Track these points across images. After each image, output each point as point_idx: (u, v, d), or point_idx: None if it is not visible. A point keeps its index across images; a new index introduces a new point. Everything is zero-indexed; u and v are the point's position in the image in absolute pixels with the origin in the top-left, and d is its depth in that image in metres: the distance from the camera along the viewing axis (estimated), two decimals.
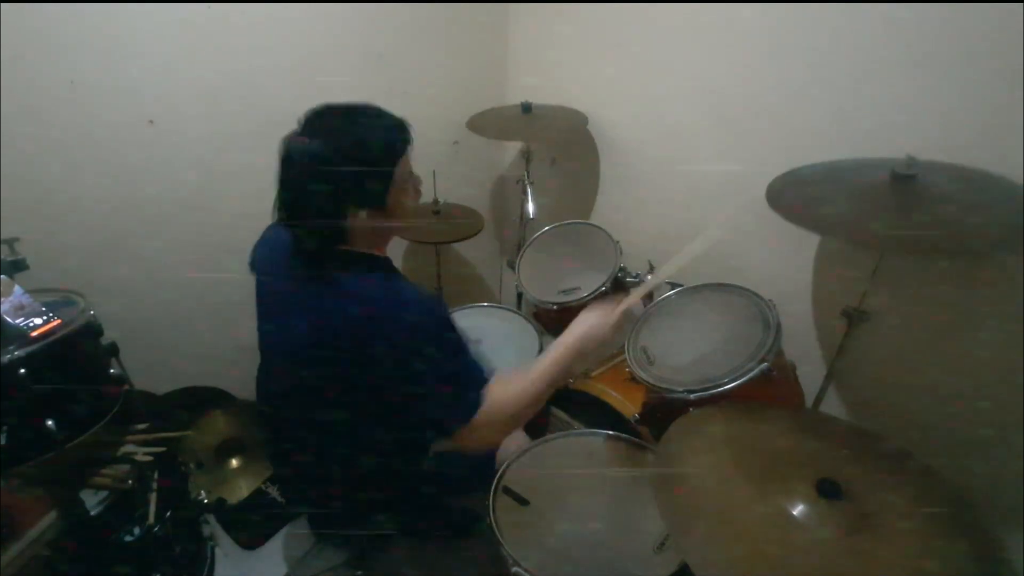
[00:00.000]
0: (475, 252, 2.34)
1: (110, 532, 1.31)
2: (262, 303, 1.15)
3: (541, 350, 1.65)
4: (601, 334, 1.06)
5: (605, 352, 1.13)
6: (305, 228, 0.99)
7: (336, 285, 0.98)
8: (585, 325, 1.07)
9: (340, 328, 0.95)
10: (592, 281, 1.56)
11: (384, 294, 0.97)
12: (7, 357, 1.08)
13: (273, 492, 1.72)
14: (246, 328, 1.20)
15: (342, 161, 0.93)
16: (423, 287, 1.04)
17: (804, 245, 1.42)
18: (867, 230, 1.03)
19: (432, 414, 0.99)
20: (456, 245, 2.17)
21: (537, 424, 1.63)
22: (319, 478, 1.19)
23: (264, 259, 1.16)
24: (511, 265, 1.96)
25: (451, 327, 0.99)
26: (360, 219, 0.99)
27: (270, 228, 1.17)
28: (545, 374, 1.02)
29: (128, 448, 1.38)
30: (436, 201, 1.90)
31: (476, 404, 0.95)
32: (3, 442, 1.08)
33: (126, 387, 1.37)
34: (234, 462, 1.79)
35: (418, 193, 1.11)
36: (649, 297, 1.57)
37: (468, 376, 0.98)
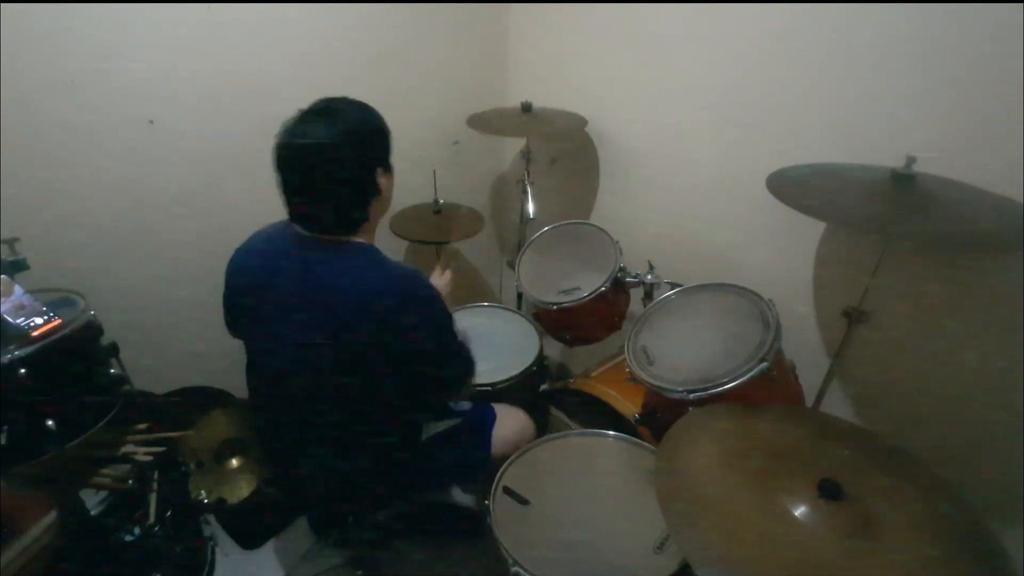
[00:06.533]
0: (475, 252, 2.34)
1: (110, 532, 1.31)
2: (261, 308, 1.12)
3: (541, 350, 1.65)
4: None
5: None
6: (332, 219, 1.03)
7: (364, 273, 1.02)
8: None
9: (380, 308, 0.99)
10: (592, 281, 1.56)
11: (403, 280, 1.04)
12: (7, 357, 1.08)
13: (273, 492, 1.72)
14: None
15: (366, 152, 1.04)
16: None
17: (804, 245, 1.41)
18: (870, 220, 1.03)
19: (454, 375, 1.16)
20: (456, 245, 2.17)
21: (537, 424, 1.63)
22: (322, 477, 1.19)
23: (264, 261, 1.12)
24: (511, 265, 1.96)
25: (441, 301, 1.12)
26: (373, 208, 1.07)
27: (257, 236, 1.16)
28: None
29: (128, 448, 1.39)
30: (436, 201, 1.90)
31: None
32: (3, 442, 1.08)
33: (126, 387, 1.38)
34: (234, 462, 1.79)
35: None
36: (649, 297, 1.58)
37: (460, 339, 1.14)
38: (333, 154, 0.98)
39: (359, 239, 1.08)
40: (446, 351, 1.12)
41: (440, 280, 1.39)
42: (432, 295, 1.07)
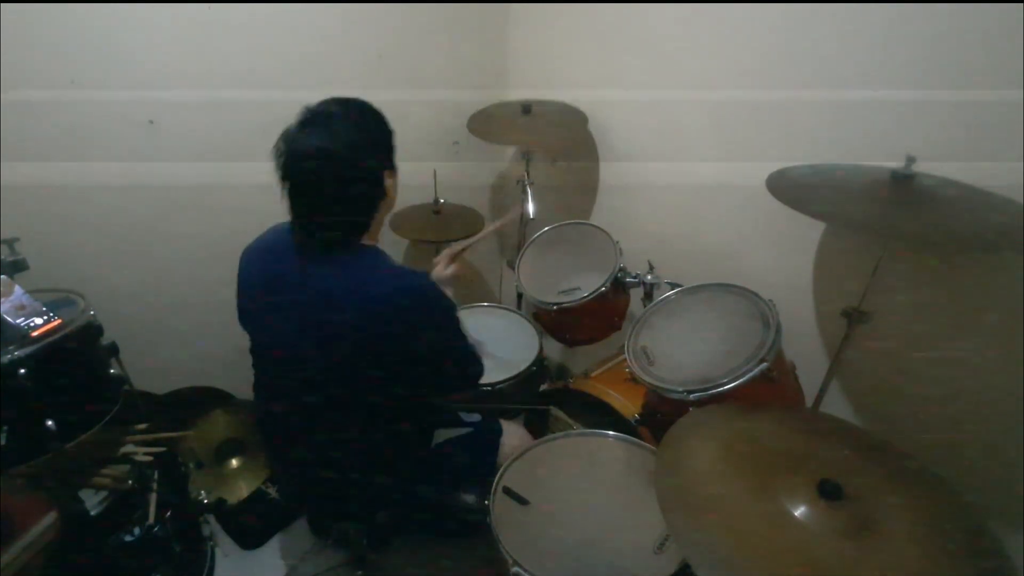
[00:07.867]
0: (475, 252, 2.34)
1: (110, 532, 1.31)
2: (265, 312, 1.11)
3: (541, 350, 1.65)
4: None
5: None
6: (337, 222, 1.01)
7: (370, 276, 1.01)
8: None
9: (388, 310, 0.99)
10: (592, 281, 1.56)
11: (410, 280, 1.03)
12: (7, 357, 1.08)
13: (273, 492, 1.72)
14: None
15: (371, 156, 1.01)
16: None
17: (804, 245, 1.41)
18: (870, 220, 1.03)
19: (464, 372, 1.15)
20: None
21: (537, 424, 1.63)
22: (326, 478, 1.18)
23: (265, 264, 1.11)
24: (511, 265, 1.96)
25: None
26: (379, 210, 1.07)
27: (268, 234, 1.15)
28: None
29: (128, 448, 1.39)
30: (436, 201, 1.91)
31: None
32: (3, 442, 1.08)
33: (126, 387, 1.38)
34: (234, 462, 1.79)
35: None
36: (649, 297, 1.58)
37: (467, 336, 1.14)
38: (339, 163, 0.96)
39: (363, 241, 1.07)
40: (454, 350, 1.12)
41: (445, 272, 1.39)
42: (439, 295, 1.07)
